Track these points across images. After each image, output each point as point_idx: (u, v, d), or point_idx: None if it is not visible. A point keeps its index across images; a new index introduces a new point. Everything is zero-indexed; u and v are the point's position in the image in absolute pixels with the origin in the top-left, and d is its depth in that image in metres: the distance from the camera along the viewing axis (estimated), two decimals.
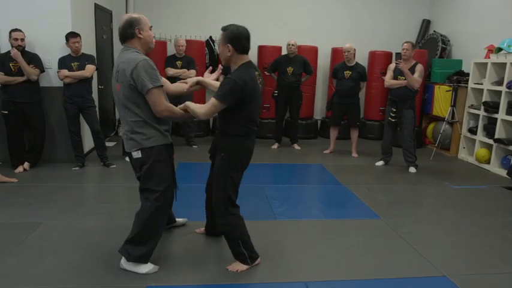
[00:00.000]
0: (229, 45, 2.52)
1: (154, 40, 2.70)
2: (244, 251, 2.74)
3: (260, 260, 2.83)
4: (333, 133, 6.27)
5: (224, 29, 2.57)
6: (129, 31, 2.56)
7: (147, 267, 2.68)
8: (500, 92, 5.49)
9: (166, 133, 2.64)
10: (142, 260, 2.68)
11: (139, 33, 2.56)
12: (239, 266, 2.75)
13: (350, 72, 5.88)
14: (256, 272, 2.74)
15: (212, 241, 3.17)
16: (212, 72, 3.08)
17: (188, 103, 2.62)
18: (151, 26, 2.65)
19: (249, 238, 2.77)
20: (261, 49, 7.10)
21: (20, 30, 4.59)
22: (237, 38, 2.52)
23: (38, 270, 2.68)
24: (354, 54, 5.95)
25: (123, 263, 2.71)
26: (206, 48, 6.96)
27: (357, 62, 5.97)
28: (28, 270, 2.68)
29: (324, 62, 7.59)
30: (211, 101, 2.50)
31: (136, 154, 2.59)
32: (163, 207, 2.67)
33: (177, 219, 3.37)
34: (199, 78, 2.93)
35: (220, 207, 2.68)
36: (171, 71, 5.96)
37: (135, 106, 2.51)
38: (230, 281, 2.66)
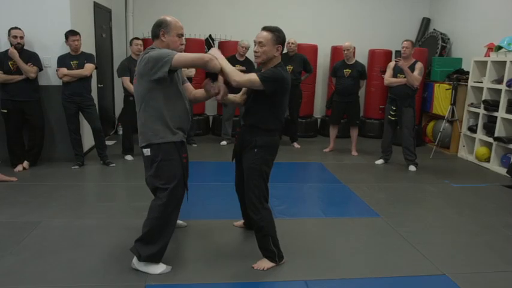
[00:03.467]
0: (280, 46, 2.66)
1: (181, 48, 2.66)
2: (274, 249, 2.78)
3: (286, 260, 2.85)
4: (333, 131, 6.26)
5: (275, 30, 2.65)
6: (156, 31, 2.60)
7: (159, 268, 2.67)
8: (500, 90, 5.48)
9: (177, 131, 2.62)
10: (153, 259, 2.65)
11: (163, 35, 2.57)
12: (265, 264, 2.78)
13: (350, 71, 5.87)
14: (256, 271, 2.74)
15: (211, 240, 3.18)
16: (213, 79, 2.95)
17: (222, 57, 2.57)
18: (181, 34, 2.62)
19: (276, 234, 2.81)
20: None
21: (19, 28, 4.59)
22: (284, 42, 2.70)
23: (37, 269, 2.68)
24: (354, 52, 5.95)
25: (135, 262, 2.69)
26: (206, 47, 6.95)
27: (356, 60, 5.96)
28: (28, 269, 2.68)
29: (323, 61, 7.59)
30: (251, 75, 2.59)
31: (146, 152, 2.61)
32: (173, 205, 2.64)
33: (177, 221, 3.33)
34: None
35: (255, 203, 2.72)
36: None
37: (148, 100, 2.54)
38: (230, 279, 2.66)
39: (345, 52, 5.88)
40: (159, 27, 2.58)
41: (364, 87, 6.36)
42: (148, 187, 2.73)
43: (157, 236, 2.63)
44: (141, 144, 2.63)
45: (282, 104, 2.73)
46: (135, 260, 2.69)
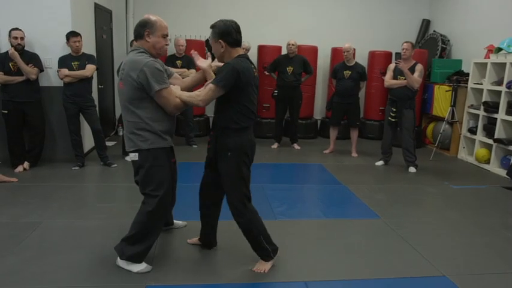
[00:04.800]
0: (220, 40, 2.52)
1: (165, 48, 2.63)
2: (267, 246, 2.73)
3: (279, 257, 2.83)
4: (333, 133, 6.27)
5: (212, 26, 2.55)
6: (140, 31, 2.55)
7: (139, 266, 2.69)
8: (500, 92, 5.49)
9: (166, 136, 2.61)
10: (134, 259, 2.68)
11: (148, 36, 2.53)
12: (265, 266, 2.75)
13: (350, 72, 5.88)
14: (256, 272, 2.74)
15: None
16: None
17: (181, 93, 2.60)
18: (166, 34, 2.58)
19: (266, 230, 2.76)
20: (261, 49, 7.10)
21: (20, 29, 4.59)
22: (227, 31, 2.51)
23: (38, 269, 2.68)
24: (354, 54, 5.96)
25: (118, 260, 2.72)
26: (206, 48, 6.96)
27: (356, 62, 5.97)
28: (28, 269, 2.68)
29: (323, 62, 7.59)
30: (209, 86, 2.50)
31: (134, 157, 2.58)
32: (160, 212, 2.66)
33: (175, 221, 3.36)
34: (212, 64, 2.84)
35: (238, 206, 2.65)
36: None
37: (135, 107, 2.51)
38: (229, 280, 2.66)
39: (345, 54, 5.88)
40: (144, 28, 2.53)
41: (364, 88, 6.37)
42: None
43: (143, 239, 2.66)
44: (129, 149, 2.61)
45: (248, 98, 2.55)
46: (118, 257, 2.72)
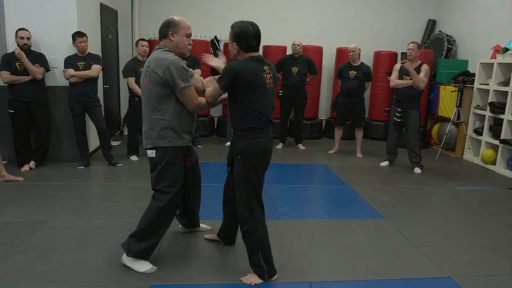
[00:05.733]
0: (234, 43, 2.50)
1: (189, 48, 2.67)
2: (263, 264, 2.59)
3: (278, 277, 2.66)
4: (338, 133, 6.26)
5: (232, 25, 2.54)
6: (164, 30, 2.61)
7: (145, 266, 2.69)
8: (507, 92, 5.45)
9: (184, 135, 2.64)
10: (141, 256, 2.69)
11: (172, 35, 2.59)
12: (254, 279, 2.61)
13: (355, 72, 5.87)
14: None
15: (217, 241, 3.17)
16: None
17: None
18: (189, 34, 2.63)
19: (270, 251, 2.63)
20: (266, 49, 7.09)
21: (26, 30, 4.62)
22: (242, 36, 2.46)
23: (43, 268, 2.70)
24: (359, 54, 5.94)
25: (124, 257, 2.73)
26: (211, 48, 6.97)
27: (361, 62, 5.96)
28: (34, 268, 2.70)
29: (329, 62, 7.58)
30: (214, 84, 2.55)
31: (151, 154, 2.62)
32: (171, 209, 2.68)
33: (201, 225, 3.31)
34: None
35: (243, 214, 2.57)
36: None
37: (158, 104, 2.55)
38: (234, 280, 2.65)
39: (351, 54, 5.88)
40: (168, 27, 2.59)
41: (369, 89, 6.35)
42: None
43: (150, 235, 2.67)
44: (146, 146, 2.64)
45: (251, 98, 2.47)
46: (124, 255, 2.73)
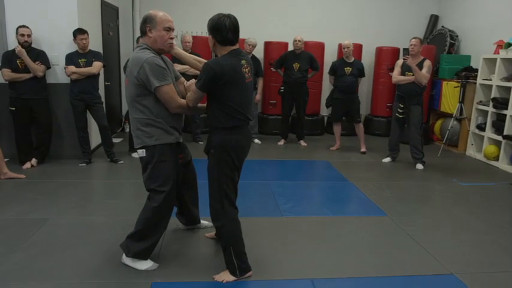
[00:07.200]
0: (210, 36, 2.44)
1: (170, 42, 2.56)
2: (235, 261, 2.56)
3: (252, 274, 2.63)
4: (337, 129, 6.25)
5: (209, 19, 2.46)
6: (142, 28, 2.55)
7: (146, 264, 2.69)
8: (510, 88, 5.42)
9: (173, 131, 2.60)
10: (140, 256, 2.68)
11: (150, 31, 2.51)
12: (226, 276, 2.59)
13: (350, 69, 5.89)
14: (262, 269, 2.73)
15: (218, 239, 3.17)
16: None
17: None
18: (168, 27, 2.51)
19: (243, 247, 2.61)
20: (267, 45, 7.07)
21: (27, 27, 4.61)
22: (217, 28, 2.39)
23: (45, 265, 2.70)
24: (353, 50, 5.94)
25: (124, 257, 2.73)
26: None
27: (355, 59, 5.98)
28: (35, 265, 2.70)
29: (330, 58, 7.51)
30: (193, 87, 2.48)
31: (141, 153, 2.59)
32: (166, 208, 2.67)
33: (202, 221, 3.30)
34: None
35: (214, 208, 2.55)
36: (178, 67, 5.94)
37: (139, 104, 2.51)
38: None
39: (345, 50, 5.88)
40: (145, 23, 2.52)
41: (371, 85, 6.33)
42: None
43: (148, 235, 2.66)
44: (136, 146, 2.62)
45: (230, 96, 2.41)
46: (124, 255, 2.72)
